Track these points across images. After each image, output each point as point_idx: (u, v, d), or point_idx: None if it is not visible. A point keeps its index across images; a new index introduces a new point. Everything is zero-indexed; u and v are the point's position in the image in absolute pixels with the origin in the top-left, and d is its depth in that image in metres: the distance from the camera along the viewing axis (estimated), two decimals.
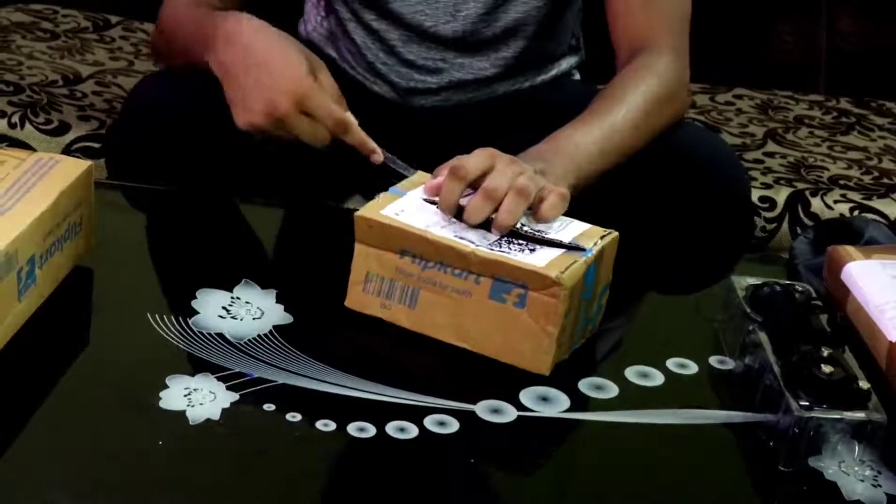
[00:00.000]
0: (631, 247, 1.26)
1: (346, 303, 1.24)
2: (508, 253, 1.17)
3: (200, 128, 1.46)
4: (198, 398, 1.10)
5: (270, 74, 1.36)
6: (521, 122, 1.62)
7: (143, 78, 1.65)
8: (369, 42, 1.62)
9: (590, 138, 1.39)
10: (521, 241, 1.19)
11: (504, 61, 1.63)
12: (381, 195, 1.24)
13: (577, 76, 1.75)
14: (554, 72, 1.70)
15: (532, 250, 1.18)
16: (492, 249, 1.17)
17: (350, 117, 1.36)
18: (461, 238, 1.18)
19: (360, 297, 1.24)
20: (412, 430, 1.09)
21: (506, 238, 1.19)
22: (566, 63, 1.71)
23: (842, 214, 1.93)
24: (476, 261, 1.17)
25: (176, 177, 1.47)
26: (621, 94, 1.47)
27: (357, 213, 1.22)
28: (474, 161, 1.22)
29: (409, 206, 1.22)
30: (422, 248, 1.19)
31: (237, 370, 1.15)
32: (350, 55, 1.65)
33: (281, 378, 1.14)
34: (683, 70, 1.53)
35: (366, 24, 1.61)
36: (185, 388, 1.11)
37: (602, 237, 1.22)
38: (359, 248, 1.22)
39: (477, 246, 1.17)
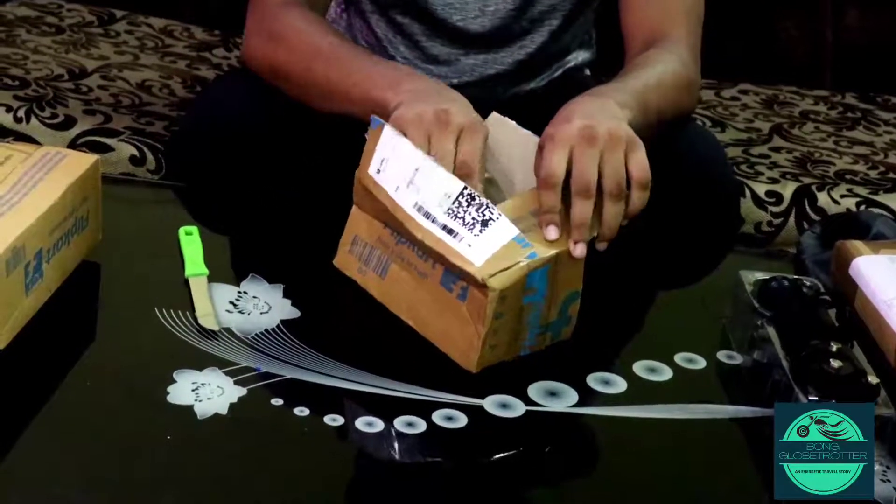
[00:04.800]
0: (628, 243, 1.26)
1: (334, 261, 1.28)
2: (455, 237, 1.15)
3: (270, 138, 1.46)
4: (205, 393, 1.10)
5: (463, 101, 1.32)
6: (536, 119, 1.61)
7: (210, 85, 1.62)
8: (391, 36, 1.62)
9: (639, 84, 1.38)
10: (478, 206, 1.15)
11: (526, 56, 1.63)
12: (369, 131, 1.23)
13: (588, 72, 1.75)
14: (570, 65, 1.69)
15: (485, 225, 1.14)
16: (443, 228, 1.15)
17: (477, 174, 1.23)
18: (421, 208, 1.17)
19: (345, 258, 1.27)
20: (420, 425, 1.09)
21: (467, 196, 1.16)
22: (581, 57, 1.71)
23: (848, 209, 1.92)
24: (425, 247, 1.17)
25: (240, 186, 1.47)
26: (653, 63, 1.45)
27: (356, 174, 1.23)
28: (557, 162, 1.19)
29: (390, 153, 1.21)
30: (392, 221, 1.20)
31: (245, 365, 1.15)
32: (370, 49, 1.64)
33: (288, 373, 1.14)
34: (698, 69, 1.52)
35: (390, 17, 1.61)
36: (193, 383, 1.11)
37: (564, 243, 1.18)
38: (354, 210, 1.26)
39: (433, 222, 1.16)
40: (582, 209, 1.18)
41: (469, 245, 1.15)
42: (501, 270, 1.13)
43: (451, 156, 1.22)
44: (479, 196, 1.16)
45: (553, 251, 1.17)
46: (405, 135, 1.23)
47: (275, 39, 1.48)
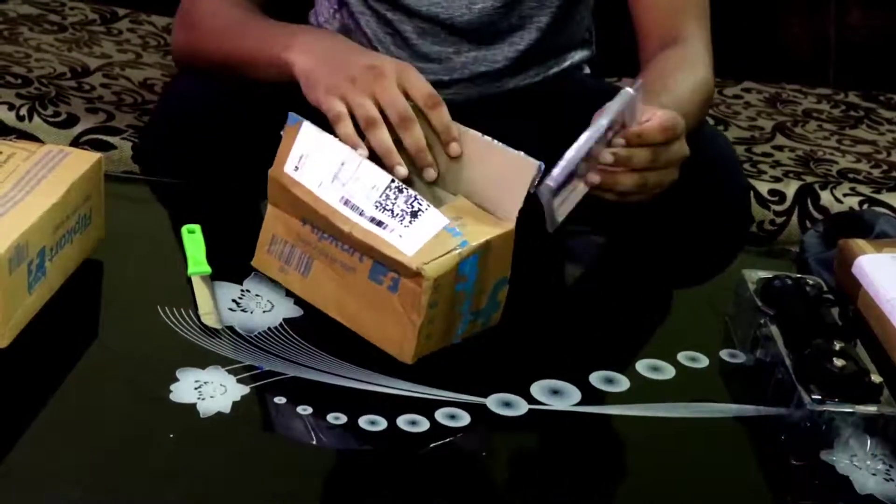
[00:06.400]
0: (634, 242, 1.26)
1: (252, 262, 1.26)
2: (385, 228, 1.14)
3: (237, 127, 1.46)
4: (208, 391, 1.10)
5: (377, 53, 1.36)
6: (530, 116, 1.61)
7: (176, 77, 1.64)
8: (381, 35, 1.62)
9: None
10: (406, 197, 1.15)
11: (517, 53, 1.63)
12: (285, 129, 1.22)
13: (587, 70, 1.75)
14: (566, 64, 1.69)
15: (415, 216, 1.14)
16: (371, 220, 1.15)
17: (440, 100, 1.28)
18: (348, 202, 1.16)
19: (265, 259, 1.25)
20: (423, 424, 1.09)
21: (395, 188, 1.16)
22: (578, 56, 1.71)
23: (851, 208, 1.92)
24: (354, 240, 1.16)
25: (210, 176, 1.47)
26: (684, 70, 1.46)
27: (270, 173, 1.21)
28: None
29: (312, 148, 1.20)
30: (315, 217, 1.19)
31: (248, 363, 1.14)
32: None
33: (291, 371, 1.14)
34: (712, 66, 1.53)
35: (380, 15, 1.61)
36: (196, 381, 1.11)
37: (493, 230, 1.17)
38: (270, 210, 1.24)
39: (360, 215, 1.16)
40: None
41: (400, 236, 1.14)
42: (435, 258, 1.13)
43: (402, 101, 1.25)
44: (406, 188, 1.16)
45: (483, 238, 1.16)
46: (345, 100, 1.26)
47: (189, 26, 1.55)
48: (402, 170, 1.23)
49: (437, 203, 1.20)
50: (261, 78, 1.44)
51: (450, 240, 1.14)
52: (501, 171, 1.20)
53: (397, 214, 1.15)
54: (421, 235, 1.14)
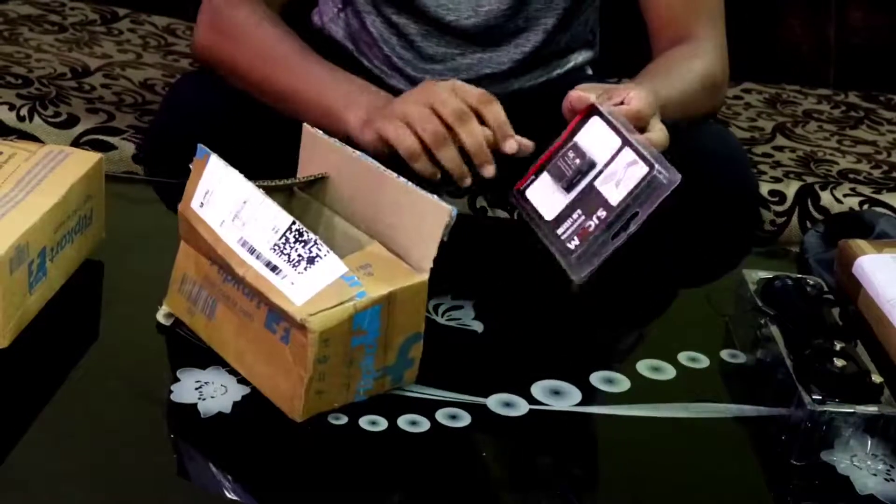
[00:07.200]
0: (640, 241, 1.25)
1: (164, 301, 1.19)
2: (278, 274, 1.06)
3: (242, 130, 1.46)
4: (209, 391, 1.10)
5: None
6: (533, 116, 1.61)
7: (178, 80, 1.64)
8: (387, 35, 1.62)
9: (669, 90, 1.41)
10: (305, 241, 1.06)
11: (522, 55, 1.63)
12: (193, 162, 1.14)
13: (590, 72, 1.75)
14: (570, 66, 1.69)
15: (311, 262, 1.05)
16: (267, 265, 1.07)
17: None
18: (245, 243, 1.08)
19: (175, 299, 1.18)
20: (424, 424, 1.09)
21: (295, 231, 1.07)
22: (581, 57, 1.71)
23: (851, 208, 1.92)
24: (247, 285, 1.08)
25: None
26: (681, 64, 1.48)
27: (179, 208, 1.15)
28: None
29: (216, 184, 1.12)
30: (216, 258, 1.11)
31: None
32: (367, 48, 1.65)
33: None
34: (726, 66, 1.54)
35: (385, 17, 1.61)
36: (197, 382, 1.11)
37: (400, 281, 1.08)
38: (182, 247, 1.17)
39: (256, 258, 1.07)
40: None
41: (292, 283, 1.05)
42: (323, 310, 1.04)
43: (455, 99, 1.25)
44: (307, 232, 1.07)
45: (385, 290, 1.07)
46: (406, 120, 1.26)
47: (226, 36, 1.52)
48: (492, 168, 1.26)
49: (356, 248, 1.13)
50: (296, 116, 1.37)
51: (345, 290, 1.05)
52: (417, 217, 1.11)
53: (293, 259, 1.06)
54: (314, 284, 1.05)
